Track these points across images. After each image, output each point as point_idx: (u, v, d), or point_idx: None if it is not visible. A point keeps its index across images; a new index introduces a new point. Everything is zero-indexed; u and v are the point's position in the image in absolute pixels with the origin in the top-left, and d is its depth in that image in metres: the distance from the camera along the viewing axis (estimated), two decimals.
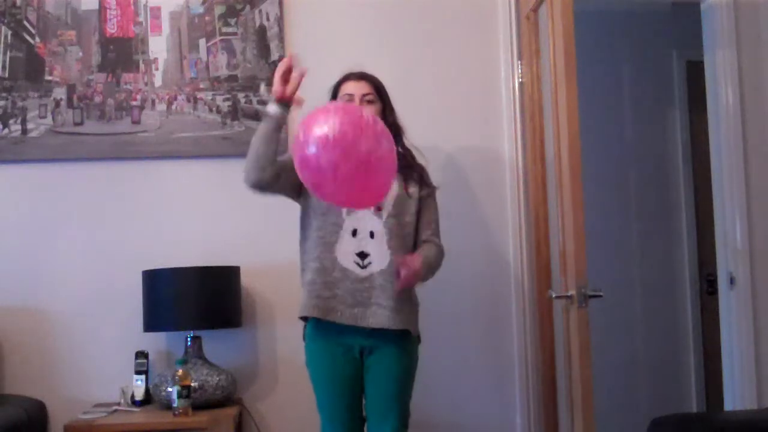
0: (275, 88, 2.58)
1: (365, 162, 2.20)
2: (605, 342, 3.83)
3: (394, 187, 2.66)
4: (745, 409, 3.32)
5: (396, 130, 2.73)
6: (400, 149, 2.72)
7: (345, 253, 2.63)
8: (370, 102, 2.72)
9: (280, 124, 2.61)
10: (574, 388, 2.73)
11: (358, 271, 2.62)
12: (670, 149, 4.59)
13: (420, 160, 2.81)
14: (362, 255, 2.63)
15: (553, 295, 2.89)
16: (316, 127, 2.20)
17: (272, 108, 2.60)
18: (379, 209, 2.63)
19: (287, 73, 2.58)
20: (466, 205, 3.40)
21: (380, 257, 2.63)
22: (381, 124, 2.32)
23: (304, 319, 2.70)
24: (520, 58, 3.42)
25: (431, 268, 2.68)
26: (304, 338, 2.74)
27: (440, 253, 2.73)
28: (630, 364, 4.42)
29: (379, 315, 2.61)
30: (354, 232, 2.63)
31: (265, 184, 2.63)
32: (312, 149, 2.19)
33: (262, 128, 2.62)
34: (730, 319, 3.47)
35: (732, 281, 3.44)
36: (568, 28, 2.73)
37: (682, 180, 4.55)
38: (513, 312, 3.38)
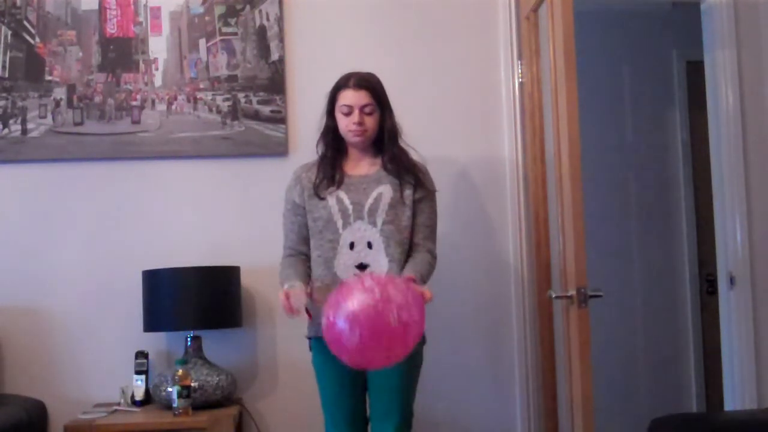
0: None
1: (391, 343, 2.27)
2: (605, 342, 3.83)
3: (389, 192, 2.66)
4: (745, 409, 3.32)
5: (393, 132, 2.73)
6: (395, 151, 2.72)
7: (344, 267, 2.63)
8: (369, 114, 2.68)
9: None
10: (574, 388, 2.73)
11: None
12: (670, 149, 4.59)
13: (418, 159, 2.79)
14: (361, 267, 2.62)
15: (553, 295, 2.89)
16: (341, 311, 2.25)
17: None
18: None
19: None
20: (467, 206, 3.40)
21: (379, 266, 2.62)
22: (408, 302, 2.29)
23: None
24: (520, 58, 3.42)
25: (424, 282, 2.64)
26: (310, 348, 2.74)
27: (431, 263, 2.70)
28: (630, 363, 4.42)
29: None
30: (351, 245, 2.63)
31: None
32: (341, 329, 2.24)
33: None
34: (730, 319, 3.47)
35: (732, 281, 3.44)
36: (568, 28, 2.73)
37: (682, 180, 4.55)
38: (513, 312, 3.38)
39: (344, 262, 2.63)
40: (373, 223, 2.64)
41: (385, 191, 2.66)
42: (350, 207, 2.64)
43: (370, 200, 2.65)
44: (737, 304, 3.42)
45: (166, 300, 3.11)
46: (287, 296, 2.51)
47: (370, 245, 2.63)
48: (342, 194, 2.66)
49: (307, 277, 2.67)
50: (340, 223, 2.64)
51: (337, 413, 2.67)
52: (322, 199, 2.66)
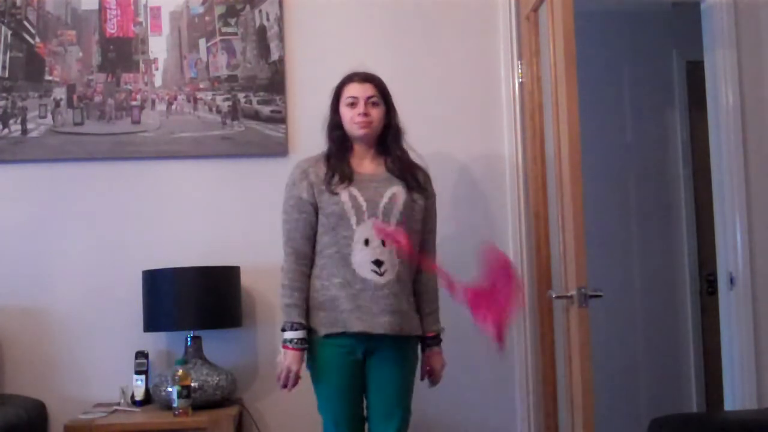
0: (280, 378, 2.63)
1: None
2: (605, 342, 3.83)
3: (402, 194, 2.66)
4: (745, 409, 3.32)
5: (398, 132, 2.73)
6: (398, 152, 2.72)
7: (362, 263, 2.60)
8: (374, 104, 2.68)
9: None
10: (574, 388, 2.73)
11: (377, 279, 2.59)
12: (670, 149, 4.58)
13: (419, 162, 2.79)
14: (378, 263, 2.60)
15: (553, 295, 2.89)
16: None
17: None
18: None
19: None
20: (467, 205, 3.40)
21: (391, 265, 2.61)
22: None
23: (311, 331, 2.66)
24: (520, 58, 3.42)
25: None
26: (310, 348, 2.71)
27: (436, 283, 2.79)
28: (630, 363, 4.42)
29: (408, 320, 2.65)
30: (366, 242, 2.61)
31: None
32: None
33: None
34: (730, 319, 3.47)
35: (732, 281, 3.44)
36: (568, 28, 2.73)
37: (682, 180, 4.54)
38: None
39: (361, 258, 2.60)
40: (387, 223, 2.63)
41: (399, 193, 2.66)
42: (364, 204, 2.62)
43: (384, 200, 2.64)
44: (737, 304, 3.42)
45: (166, 300, 3.11)
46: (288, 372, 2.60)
47: (384, 243, 2.61)
48: (355, 191, 2.63)
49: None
50: (353, 220, 2.61)
51: (340, 414, 2.65)
52: (335, 194, 2.63)
